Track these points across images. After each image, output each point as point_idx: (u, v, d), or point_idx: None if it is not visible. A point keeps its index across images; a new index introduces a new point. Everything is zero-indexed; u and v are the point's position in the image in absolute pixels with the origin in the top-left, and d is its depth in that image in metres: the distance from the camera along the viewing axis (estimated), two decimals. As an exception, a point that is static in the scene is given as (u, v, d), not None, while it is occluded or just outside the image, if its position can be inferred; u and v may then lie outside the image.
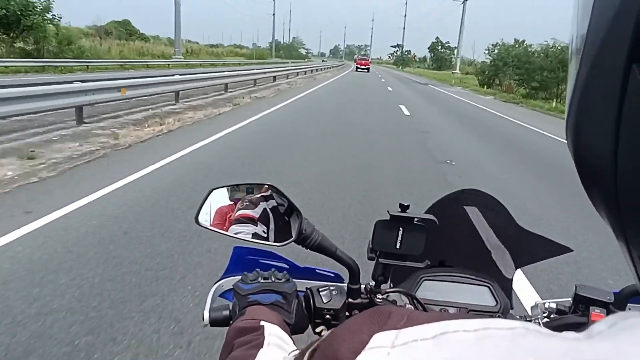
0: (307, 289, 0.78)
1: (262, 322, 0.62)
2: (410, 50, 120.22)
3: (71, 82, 7.80)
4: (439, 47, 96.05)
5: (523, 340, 0.20)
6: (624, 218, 0.25)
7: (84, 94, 7.51)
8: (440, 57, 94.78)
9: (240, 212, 0.80)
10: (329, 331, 0.30)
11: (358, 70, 52.97)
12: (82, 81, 7.96)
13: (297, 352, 0.32)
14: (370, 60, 62.38)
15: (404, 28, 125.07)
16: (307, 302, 0.76)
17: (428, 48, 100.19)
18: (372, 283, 0.80)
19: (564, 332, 0.21)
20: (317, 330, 0.77)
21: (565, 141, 0.29)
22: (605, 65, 0.24)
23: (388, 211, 0.75)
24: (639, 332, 0.19)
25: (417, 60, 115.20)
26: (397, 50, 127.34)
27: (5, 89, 6.26)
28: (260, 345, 0.56)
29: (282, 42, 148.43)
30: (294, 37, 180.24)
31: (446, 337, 0.21)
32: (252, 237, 0.77)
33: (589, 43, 0.25)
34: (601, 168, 0.25)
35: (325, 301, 0.76)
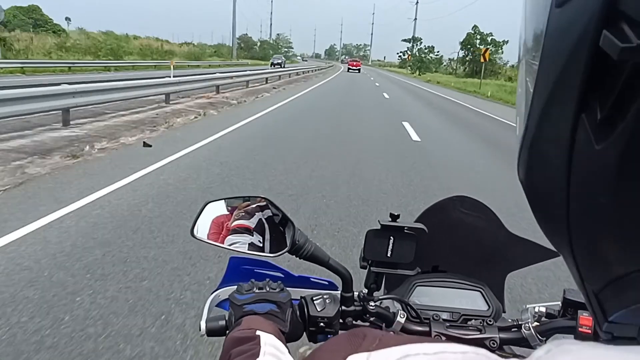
0: (301, 297, 0.80)
1: (258, 332, 0.63)
2: (433, 47, 75.52)
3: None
4: (477, 41, 58.37)
5: None
6: (577, 254, 0.26)
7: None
8: (479, 59, 49.96)
9: (236, 222, 0.81)
10: (311, 351, 0.34)
11: (350, 71, 58.80)
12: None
13: None
14: (361, 62, 74.98)
15: (415, 19, 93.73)
16: (302, 310, 0.78)
17: (460, 43, 61.29)
18: (365, 291, 0.82)
19: (510, 358, 0.25)
20: (301, 350, 0.78)
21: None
22: (555, 115, 0.25)
23: (379, 221, 0.77)
24: (569, 358, 0.22)
25: (444, 61, 77.21)
26: (411, 48, 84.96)
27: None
28: (257, 355, 0.57)
29: (265, 40, 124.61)
30: (277, 34, 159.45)
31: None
32: (247, 248, 0.79)
33: (537, 92, 0.26)
34: (553, 206, 0.26)
35: (319, 309, 0.77)
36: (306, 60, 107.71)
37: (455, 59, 71.29)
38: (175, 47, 59.20)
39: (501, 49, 56.95)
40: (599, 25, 0.21)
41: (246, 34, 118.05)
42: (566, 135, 0.24)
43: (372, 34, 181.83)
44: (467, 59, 61.88)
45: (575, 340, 0.24)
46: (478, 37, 58.90)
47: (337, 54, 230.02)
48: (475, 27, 59.16)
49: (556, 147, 0.25)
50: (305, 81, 27.70)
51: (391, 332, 0.77)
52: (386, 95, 21.45)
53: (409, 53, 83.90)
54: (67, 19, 67.28)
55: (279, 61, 49.82)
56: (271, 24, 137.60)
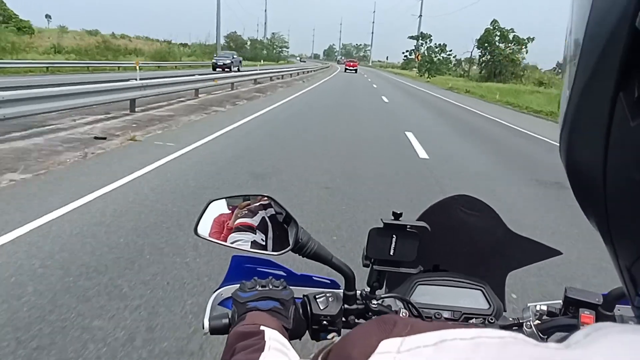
0: (304, 295, 0.80)
1: (262, 327, 0.63)
2: (445, 45, 65.06)
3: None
4: (497, 39, 49.43)
5: (510, 348, 0.23)
6: (612, 229, 0.27)
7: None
8: (499, 59, 47.83)
9: (239, 220, 0.81)
10: (341, 336, 0.33)
11: (347, 71, 62.11)
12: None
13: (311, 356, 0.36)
14: (357, 63, 77.48)
15: (420, 15, 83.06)
16: (305, 308, 0.78)
17: (477, 41, 52.41)
18: (368, 289, 0.82)
19: (549, 343, 0.24)
20: (329, 336, 0.79)
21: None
22: (595, 93, 0.26)
23: (381, 219, 0.77)
24: (607, 341, 0.22)
25: (455, 61, 66.42)
26: (419, 46, 73.87)
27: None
28: (262, 349, 0.57)
29: (255, 39, 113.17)
30: (273, 33, 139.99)
31: (445, 345, 0.24)
32: (250, 246, 0.79)
33: (580, 69, 0.27)
34: (591, 183, 0.27)
35: (321, 307, 0.78)
36: (304, 61, 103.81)
37: (465, 59, 63.82)
38: (144, 46, 50.87)
39: (525, 47, 48.18)
40: (637, 7, 0.22)
41: (235, 32, 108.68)
42: (605, 113, 0.25)
43: (372, 32, 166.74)
44: (484, 59, 52.28)
45: (615, 324, 0.24)
46: (497, 33, 49.69)
47: (335, 54, 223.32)
48: (494, 21, 50.39)
49: (595, 124, 0.26)
50: (285, 88, 21.46)
51: (422, 320, 0.78)
52: (412, 137, 9.76)
53: (418, 52, 70.92)
54: (47, 16, 64.79)
55: (226, 61, 33.00)
56: (265, 22, 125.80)
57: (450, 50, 65.91)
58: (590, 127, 0.27)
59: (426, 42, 71.92)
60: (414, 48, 78.58)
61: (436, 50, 66.48)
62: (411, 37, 78.89)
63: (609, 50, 0.24)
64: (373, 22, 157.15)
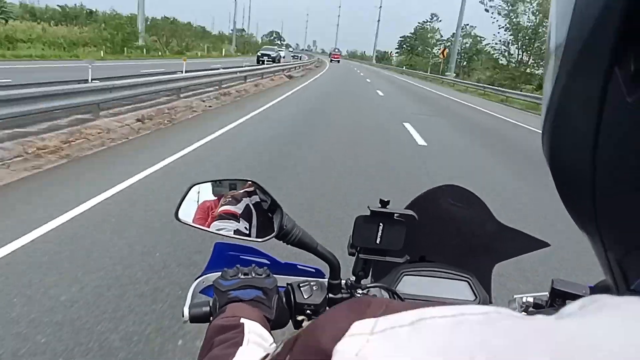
0: (287, 284, 0.79)
1: (242, 320, 0.62)
2: (473, 27, 47.32)
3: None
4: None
5: (496, 323, 0.20)
6: (600, 222, 0.25)
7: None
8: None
9: (223, 207, 0.79)
10: (310, 321, 0.30)
11: (332, 61, 76.49)
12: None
13: (279, 344, 0.32)
14: (340, 54, 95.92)
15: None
16: (288, 297, 0.77)
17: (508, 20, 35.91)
18: (353, 278, 0.81)
19: (536, 315, 0.21)
20: (299, 319, 0.77)
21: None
22: (586, 69, 0.24)
23: (368, 207, 0.76)
24: (604, 312, 0.20)
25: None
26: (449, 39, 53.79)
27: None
28: (240, 343, 0.56)
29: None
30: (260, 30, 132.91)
31: (423, 323, 0.21)
32: (234, 233, 0.77)
33: (569, 46, 0.25)
34: (579, 173, 0.26)
35: (305, 296, 0.76)
36: (297, 57, 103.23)
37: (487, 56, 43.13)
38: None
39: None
40: None
41: (204, 27, 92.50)
42: (597, 89, 0.23)
43: (378, 21, 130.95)
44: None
45: (610, 295, 0.22)
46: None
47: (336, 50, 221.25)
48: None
49: (586, 102, 0.24)
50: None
51: (399, 301, 0.75)
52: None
53: (445, 46, 52.94)
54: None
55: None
56: (249, 13, 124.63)
57: (483, 38, 46.22)
58: (580, 106, 0.25)
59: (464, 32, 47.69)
60: (444, 41, 62.56)
61: (478, 38, 46.86)
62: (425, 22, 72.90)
63: (603, 20, 0.22)
64: (378, 21, 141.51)
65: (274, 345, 0.59)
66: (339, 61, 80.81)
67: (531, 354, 0.18)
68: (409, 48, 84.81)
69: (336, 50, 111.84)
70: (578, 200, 0.27)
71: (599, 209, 0.25)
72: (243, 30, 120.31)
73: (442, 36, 76.17)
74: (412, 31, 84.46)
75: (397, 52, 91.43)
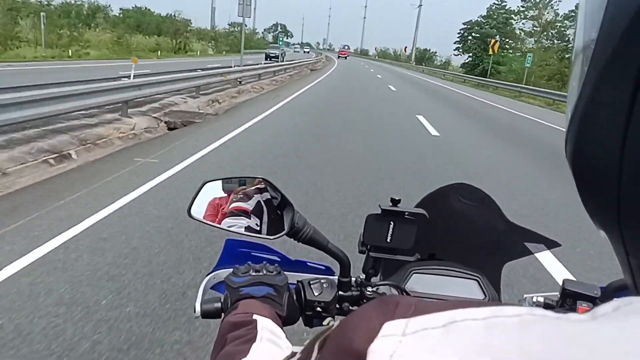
0: (298, 281, 0.79)
1: (254, 316, 0.62)
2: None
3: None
4: None
5: (531, 326, 0.20)
6: (623, 227, 0.25)
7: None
8: None
9: (234, 204, 0.80)
10: (339, 321, 0.30)
11: (339, 57, 77.53)
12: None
13: (307, 344, 0.32)
14: (348, 51, 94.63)
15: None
16: (299, 294, 0.77)
17: None
18: (363, 276, 0.81)
19: (569, 315, 0.21)
20: (325, 322, 0.77)
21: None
22: (616, 74, 0.24)
23: (379, 205, 0.76)
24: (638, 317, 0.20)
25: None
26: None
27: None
28: (253, 340, 0.56)
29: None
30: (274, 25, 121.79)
31: (455, 326, 0.21)
32: (245, 231, 0.77)
33: (598, 50, 0.25)
34: (603, 178, 0.25)
35: (316, 294, 0.76)
36: (306, 51, 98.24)
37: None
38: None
39: None
40: None
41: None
42: (627, 94, 0.23)
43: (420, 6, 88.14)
44: None
45: None
46: None
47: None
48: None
49: (613, 111, 0.24)
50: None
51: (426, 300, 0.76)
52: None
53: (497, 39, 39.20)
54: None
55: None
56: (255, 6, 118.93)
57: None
58: (607, 115, 0.25)
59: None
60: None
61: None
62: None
63: (633, 31, 0.22)
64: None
65: (287, 342, 0.60)
66: (346, 57, 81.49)
67: (569, 359, 0.18)
68: (481, 41, 47.78)
69: (345, 47, 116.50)
70: (601, 206, 0.27)
71: (623, 215, 0.25)
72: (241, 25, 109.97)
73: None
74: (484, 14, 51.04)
75: (456, 49, 55.87)
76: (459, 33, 54.53)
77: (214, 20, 63.36)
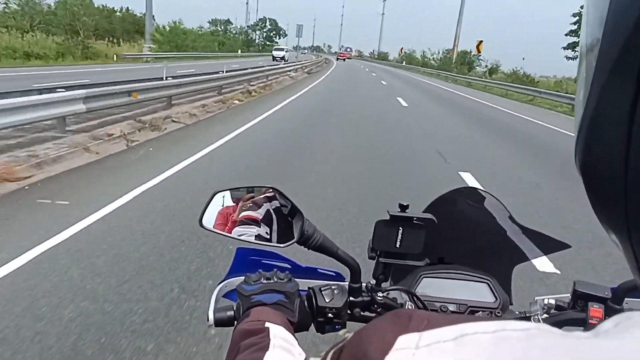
0: (309, 288, 0.80)
1: (267, 324, 0.63)
2: None
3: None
4: None
5: (537, 340, 0.21)
6: (632, 232, 0.26)
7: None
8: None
9: (244, 213, 0.81)
10: (353, 333, 0.31)
11: (338, 59, 76.06)
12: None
13: (322, 355, 0.33)
14: (348, 53, 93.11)
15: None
16: (310, 301, 0.78)
17: None
18: (373, 282, 0.81)
19: (574, 332, 0.22)
20: (341, 332, 0.78)
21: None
22: (615, 89, 0.24)
23: (388, 211, 0.77)
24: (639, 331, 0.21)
25: None
26: None
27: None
28: (266, 348, 0.57)
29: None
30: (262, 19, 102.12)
31: (465, 339, 0.22)
32: (255, 239, 0.78)
33: (602, 56, 0.25)
34: (611, 188, 0.26)
35: (327, 300, 0.77)
36: (304, 52, 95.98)
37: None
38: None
39: None
40: None
41: (227, 19, 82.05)
42: (626, 110, 0.23)
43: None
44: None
45: None
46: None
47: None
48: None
49: (616, 122, 0.24)
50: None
51: (438, 313, 0.77)
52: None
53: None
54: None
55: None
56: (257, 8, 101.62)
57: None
58: (611, 126, 0.25)
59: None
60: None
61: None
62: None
63: (632, 44, 0.22)
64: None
65: (300, 349, 0.60)
66: (344, 59, 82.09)
67: None
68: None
69: (347, 49, 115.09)
70: (612, 214, 0.27)
71: (632, 224, 0.25)
72: (228, 21, 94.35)
73: None
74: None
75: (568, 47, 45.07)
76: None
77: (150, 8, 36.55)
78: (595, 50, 0.26)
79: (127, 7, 45.05)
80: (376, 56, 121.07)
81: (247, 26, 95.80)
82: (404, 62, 78.36)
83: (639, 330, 0.21)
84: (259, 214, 0.80)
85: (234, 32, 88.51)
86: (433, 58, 63.60)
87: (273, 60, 39.41)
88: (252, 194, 0.83)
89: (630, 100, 0.23)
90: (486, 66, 50.24)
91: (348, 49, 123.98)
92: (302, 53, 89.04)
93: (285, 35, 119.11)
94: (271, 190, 0.81)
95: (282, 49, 47.51)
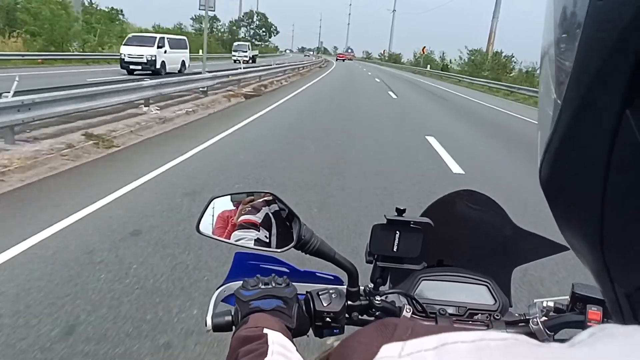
0: (307, 292, 0.80)
1: (265, 330, 0.63)
2: None
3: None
4: None
5: (514, 349, 0.22)
6: (607, 257, 0.26)
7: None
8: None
9: (243, 217, 0.81)
10: (340, 342, 0.32)
11: (337, 60, 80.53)
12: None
13: None
14: (348, 54, 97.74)
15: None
16: (308, 305, 0.78)
17: None
18: (371, 285, 0.81)
19: (551, 343, 0.23)
20: (329, 341, 0.78)
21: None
22: (596, 108, 0.24)
23: (385, 215, 0.77)
24: (613, 340, 0.21)
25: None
26: None
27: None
28: (265, 354, 0.57)
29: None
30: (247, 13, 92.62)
31: (446, 348, 0.23)
32: (253, 244, 0.79)
33: (574, 79, 0.24)
34: (585, 205, 0.26)
35: (325, 304, 0.77)
36: (308, 55, 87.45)
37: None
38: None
39: None
40: None
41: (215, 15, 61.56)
42: (608, 132, 0.23)
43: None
44: None
45: (620, 325, 0.23)
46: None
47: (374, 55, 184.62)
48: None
49: (595, 143, 0.24)
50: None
51: (423, 322, 0.77)
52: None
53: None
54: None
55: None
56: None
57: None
58: (590, 145, 0.25)
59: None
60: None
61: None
62: None
63: (611, 65, 0.22)
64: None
65: (298, 355, 0.60)
66: (344, 60, 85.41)
67: None
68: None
69: (349, 50, 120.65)
70: (583, 232, 0.27)
71: (607, 244, 0.25)
72: (215, 17, 74.83)
73: None
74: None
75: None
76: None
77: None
78: (566, 64, 0.25)
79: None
80: (386, 58, 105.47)
81: (230, 22, 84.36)
82: (429, 66, 55.08)
83: (613, 340, 0.22)
84: (258, 217, 0.80)
85: (221, 29, 78.16)
86: (461, 59, 45.66)
87: (234, 63, 28.53)
88: (252, 197, 0.83)
89: (612, 121, 0.23)
90: (520, 69, 38.94)
91: (349, 50, 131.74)
92: (305, 55, 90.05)
93: (277, 32, 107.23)
94: (270, 195, 0.81)
95: (245, 49, 34.24)
